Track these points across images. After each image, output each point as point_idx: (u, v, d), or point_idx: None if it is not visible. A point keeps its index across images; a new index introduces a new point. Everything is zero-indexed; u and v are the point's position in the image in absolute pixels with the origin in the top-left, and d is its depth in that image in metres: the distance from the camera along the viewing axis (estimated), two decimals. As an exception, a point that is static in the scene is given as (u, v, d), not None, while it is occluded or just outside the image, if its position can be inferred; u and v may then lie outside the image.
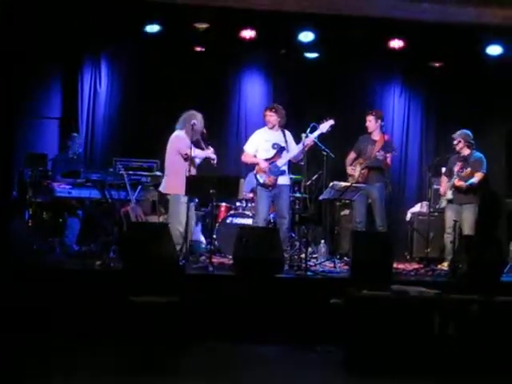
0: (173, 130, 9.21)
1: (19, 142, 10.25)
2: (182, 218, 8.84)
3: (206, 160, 9.26)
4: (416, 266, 9.82)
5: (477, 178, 9.58)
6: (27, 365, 6.47)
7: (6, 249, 8.78)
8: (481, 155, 9.75)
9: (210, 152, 9.20)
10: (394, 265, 8.87)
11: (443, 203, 9.83)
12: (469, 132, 9.81)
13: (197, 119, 9.08)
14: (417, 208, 11.06)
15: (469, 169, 9.51)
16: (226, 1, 9.62)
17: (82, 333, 7.33)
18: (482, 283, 7.97)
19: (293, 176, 9.63)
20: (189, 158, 8.81)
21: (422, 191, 11.33)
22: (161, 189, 9.25)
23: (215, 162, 9.27)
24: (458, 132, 9.83)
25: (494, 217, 11.08)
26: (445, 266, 9.49)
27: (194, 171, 9.02)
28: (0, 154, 9.59)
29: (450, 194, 9.70)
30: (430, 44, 10.61)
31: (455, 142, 9.75)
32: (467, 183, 9.53)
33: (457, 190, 9.63)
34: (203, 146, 9.20)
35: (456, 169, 9.66)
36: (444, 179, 9.91)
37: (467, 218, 9.58)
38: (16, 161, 10.03)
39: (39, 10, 9.43)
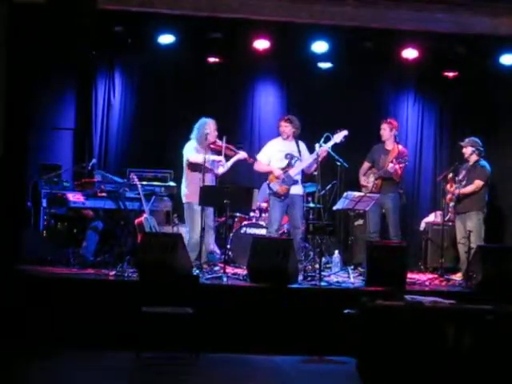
0: (186, 140, 9.26)
1: (33, 153, 10.27)
2: (196, 226, 8.87)
3: (241, 162, 9.45)
4: (430, 276, 9.75)
5: (472, 186, 9.49)
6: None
7: (19, 259, 8.81)
8: (485, 164, 9.65)
9: (240, 156, 9.34)
10: (408, 275, 8.85)
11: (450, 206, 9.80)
12: (477, 139, 9.74)
13: (209, 127, 9.12)
14: (431, 218, 11.01)
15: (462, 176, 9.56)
16: (240, 12, 9.64)
17: (93, 343, 7.38)
18: (497, 293, 7.94)
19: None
20: (203, 168, 8.83)
21: (436, 201, 11.26)
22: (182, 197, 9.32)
23: (251, 160, 9.43)
24: (467, 139, 9.77)
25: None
26: (459, 276, 9.45)
27: (211, 180, 9.07)
28: (14, 164, 9.61)
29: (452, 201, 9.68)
30: (444, 54, 10.58)
31: (463, 150, 9.71)
32: (462, 190, 9.50)
33: (458, 198, 9.59)
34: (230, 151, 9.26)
35: (460, 177, 9.63)
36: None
37: (471, 225, 9.46)
38: (30, 171, 10.06)
39: (52, 21, 9.46)
